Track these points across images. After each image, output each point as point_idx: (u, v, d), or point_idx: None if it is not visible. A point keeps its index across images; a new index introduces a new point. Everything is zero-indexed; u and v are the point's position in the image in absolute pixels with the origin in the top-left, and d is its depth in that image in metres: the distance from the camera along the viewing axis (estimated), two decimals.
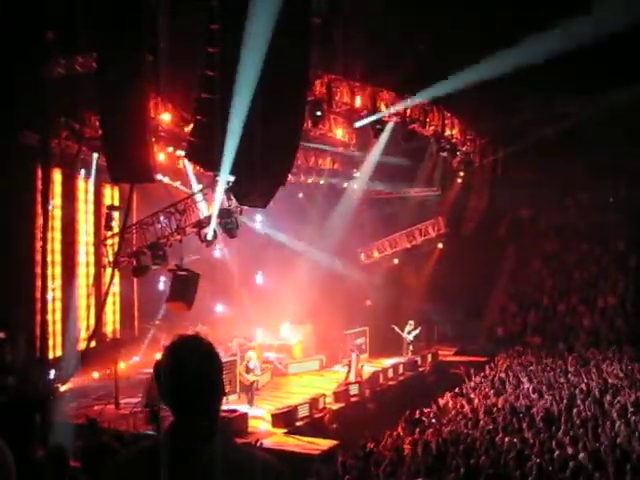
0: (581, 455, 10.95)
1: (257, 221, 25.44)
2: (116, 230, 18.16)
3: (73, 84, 15.86)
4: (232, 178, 16.15)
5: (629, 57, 19.83)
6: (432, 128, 21.22)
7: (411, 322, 23.17)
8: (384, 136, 20.99)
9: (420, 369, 22.15)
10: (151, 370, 2.58)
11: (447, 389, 18.72)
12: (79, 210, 19.04)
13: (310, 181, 24.99)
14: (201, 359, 2.41)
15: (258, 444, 12.84)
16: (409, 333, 23.07)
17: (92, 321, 18.16)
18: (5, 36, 13.87)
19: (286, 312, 24.46)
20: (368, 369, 20.63)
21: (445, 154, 23.14)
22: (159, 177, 18.66)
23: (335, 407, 17.15)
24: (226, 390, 16.86)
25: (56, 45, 14.86)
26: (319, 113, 17.62)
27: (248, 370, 17.67)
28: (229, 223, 18.14)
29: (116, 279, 18.51)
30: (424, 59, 19.27)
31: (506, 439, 12.38)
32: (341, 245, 25.02)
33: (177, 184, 21.24)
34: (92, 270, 19.28)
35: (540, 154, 25.60)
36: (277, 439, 14.58)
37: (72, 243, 18.67)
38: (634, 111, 22.15)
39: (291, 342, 22.18)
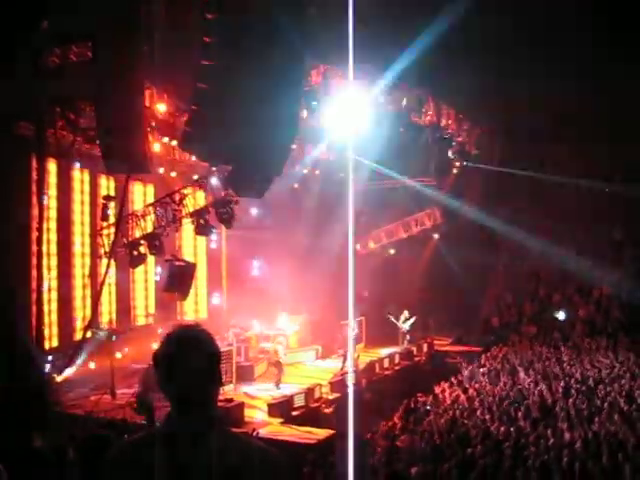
0: (576, 444, 11.03)
1: (253, 212, 25.43)
2: (112, 220, 18.12)
3: (68, 74, 15.77)
4: (228, 168, 16.17)
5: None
6: (428, 118, 21.23)
7: (405, 312, 23.24)
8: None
9: (416, 359, 22.22)
10: (147, 360, 2.59)
11: (443, 379, 18.80)
12: (75, 200, 18.96)
13: (306, 172, 24.95)
14: (198, 349, 2.41)
15: (254, 434, 12.87)
16: (404, 322, 23.14)
17: (88, 311, 18.16)
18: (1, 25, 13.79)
19: (282, 302, 24.50)
20: (364, 359, 20.70)
21: (441, 144, 23.17)
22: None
23: (332, 397, 17.21)
24: (223, 380, 16.96)
25: (51, 34, 14.78)
26: (315, 102, 17.60)
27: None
28: (225, 213, 18.14)
29: (112, 269, 18.48)
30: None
31: (501, 428, 12.46)
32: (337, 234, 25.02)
33: (173, 174, 21.19)
34: (88, 261, 19.22)
35: (537, 143, 25.63)
36: (273, 429, 14.61)
37: (68, 234, 18.60)
38: (633, 99, 22.19)
39: (287, 332, 22.21)
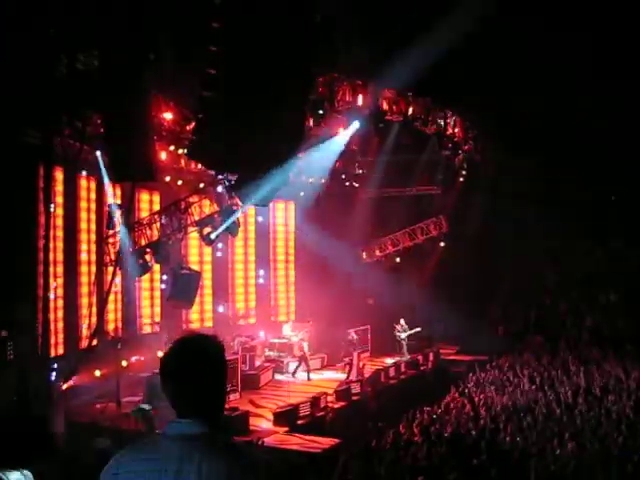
0: (582, 454, 10.97)
1: (259, 220, 25.49)
2: (118, 228, 18.17)
3: (75, 82, 15.83)
4: (234, 176, 16.20)
5: None
6: (434, 126, 21.25)
7: (402, 321, 23.48)
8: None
9: (422, 368, 22.15)
10: (153, 369, 2.60)
11: (448, 388, 18.73)
12: (81, 208, 19.02)
13: (311, 180, 24.99)
14: (203, 356, 2.42)
15: (259, 442, 12.85)
16: (403, 332, 23.39)
17: (94, 319, 18.17)
18: (8, 34, 13.87)
19: (288, 310, 24.52)
20: (370, 367, 20.66)
21: (447, 152, 23.17)
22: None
23: (337, 406, 17.16)
24: (227, 388, 16.97)
25: (58, 43, 14.85)
26: (321, 112, 17.63)
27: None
28: (230, 222, 18.18)
29: (118, 277, 18.51)
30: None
31: (507, 438, 12.40)
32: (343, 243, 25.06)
33: (179, 183, 21.22)
34: (94, 268, 19.26)
35: (543, 152, 25.58)
36: (279, 437, 14.58)
37: (74, 241, 18.65)
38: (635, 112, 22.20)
39: (293, 340, 22.20)
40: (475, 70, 20.39)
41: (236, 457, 2.36)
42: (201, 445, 2.34)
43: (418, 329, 23.59)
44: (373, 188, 26.19)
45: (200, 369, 2.40)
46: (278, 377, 20.61)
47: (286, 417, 15.45)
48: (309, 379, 20.20)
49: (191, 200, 19.04)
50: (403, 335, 23.39)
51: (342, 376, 20.53)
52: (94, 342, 17.50)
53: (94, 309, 18.45)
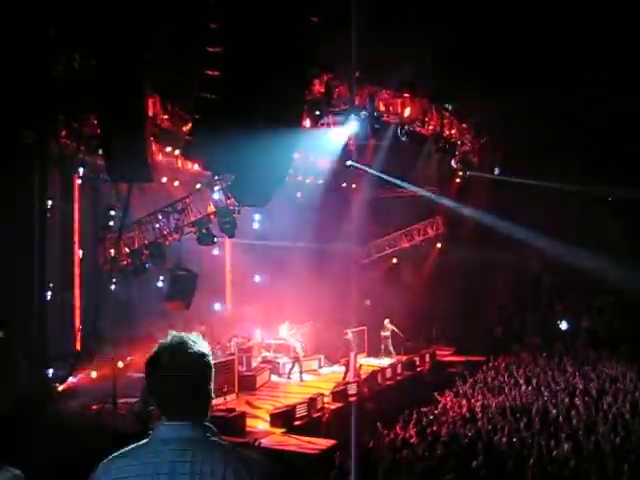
0: (579, 455, 10.96)
1: (255, 220, 25.45)
2: (114, 229, 18.13)
3: (72, 82, 15.79)
4: (231, 177, 16.16)
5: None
6: (431, 127, 21.24)
7: (386, 321, 23.60)
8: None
9: (418, 369, 22.16)
10: None
11: (445, 389, 18.73)
12: (77, 209, 18.98)
13: (308, 181, 24.96)
14: (187, 359, 2.40)
15: (256, 444, 12.83)
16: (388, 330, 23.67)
17: (90, 320, 18.12)
18: (6, 34, 13.82)
19: (285, 311, 24.45)
20: (366, 369, 20.66)
21: (444, 154, 23.17)
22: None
23: (334, 407, 17.15)
24: (224, 390, 16.94)
25: (56, 43, 14.82)
26: (318, 112, 17.62)
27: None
28: (227, 222, 18.16)
29: (114, 278, 18.46)
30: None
31: (504, 439, 12.39)
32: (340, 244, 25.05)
33: (176, 183, 21.17)
34: (90, 269, 19.22)
35: (539, 153, 25.59)
36: (275, 438, 14.55)
37: (70, 242, 18.61)
38: (633, 108, 22.20)
39: (290, 341, 22.19)
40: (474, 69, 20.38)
41: (230, 458, 2.35)
42: (193, 447, 2.33)
43: (387, 333, 23.79)
44: (370, 189, 26.18)
45: (186, 369, 2.39)
46: (274, 378, 20.57)
47: (283, 418, 15.42)
48: (301, 380, 20.26)
49: (188, 201, 19.01)
50: (383, 334, 23.63)
51: (341, 369, 20.58)
52: (90, 343, 17.44)
53: (90, 310, 18.42)
